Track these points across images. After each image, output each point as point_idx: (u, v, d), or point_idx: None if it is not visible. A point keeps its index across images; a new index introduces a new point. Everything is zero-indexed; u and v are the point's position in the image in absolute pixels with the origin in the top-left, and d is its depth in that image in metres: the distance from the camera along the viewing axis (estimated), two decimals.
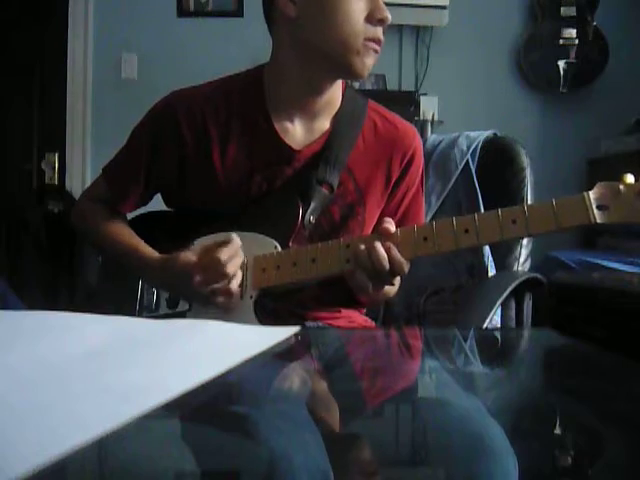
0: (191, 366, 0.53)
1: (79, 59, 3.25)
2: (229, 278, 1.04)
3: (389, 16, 1.08)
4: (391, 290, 1.20)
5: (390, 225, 1.03)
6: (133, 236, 1.21)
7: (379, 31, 1.10)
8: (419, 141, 1.25)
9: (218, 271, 1.03)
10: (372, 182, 1.20)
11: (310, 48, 1.11)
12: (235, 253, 1.05)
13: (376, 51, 1.11)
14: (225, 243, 1.05)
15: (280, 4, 1.10)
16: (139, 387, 0.45)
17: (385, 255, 1.00)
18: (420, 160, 1.24)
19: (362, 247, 1.01)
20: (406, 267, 1.02)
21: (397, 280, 1.14)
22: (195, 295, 1.08)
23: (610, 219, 0.95)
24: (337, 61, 1.11)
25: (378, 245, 1.00)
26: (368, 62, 1.11)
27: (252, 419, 0.48)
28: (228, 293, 1.05)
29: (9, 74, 3.30)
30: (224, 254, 1.04)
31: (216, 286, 1.04)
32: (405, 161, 1.21)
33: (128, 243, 1.19)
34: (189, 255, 1.06)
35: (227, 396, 0.52)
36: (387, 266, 1.00)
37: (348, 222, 1.19)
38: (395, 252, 1.01)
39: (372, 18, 1.08)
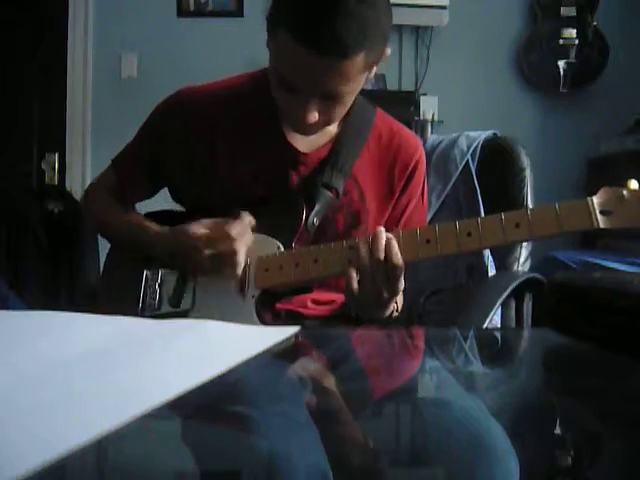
0: (191, 366, 0.53)
1: (79, 59, 3.25)
2: (237, 253, 1.06)
3: (306, 119, 1.04)
4: (388, 308, 1.17)
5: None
6: (139, 215, 1.25)
7: (299, 128, 1.10)
8: (422, 152, 1.25)
9: (227, 245, 1.06)
10: (376, 191, 1.20)
11: None
12: (244, 230, 1.08)
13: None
14: (235, 219, 1.08)
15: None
16: (139, 387, 0.45)
17: (383, 244, 1.00)
18: (422, 170, 1.24)
19: (363, 237, 1.03)
20: (399, 259, 1.00)
21: (400, 300, 1.15)
22: (199, 266, 1.10)
23: (613, 224, 0.95)
24: None
25: (382, 233, 1.01)
26: (302, 133, 1.13)
27: (252, 419, 0.48)
28: (233, 265, 1.07)
29: (9, 74, 3.30)
30: (234, 229, 1.06)
31: (222, 257, 1.07)
32: (408, 172, 1.21)
33: (135, 220, 1.22)
34: (198, 226, 1.09)
35: (227, 396, 0.52)
36: (382, 254, 0.99)
37: (352, 232, 1.19)
38: (394, 243, 1.01)
39: (290, 114, 1.08)
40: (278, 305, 1.16)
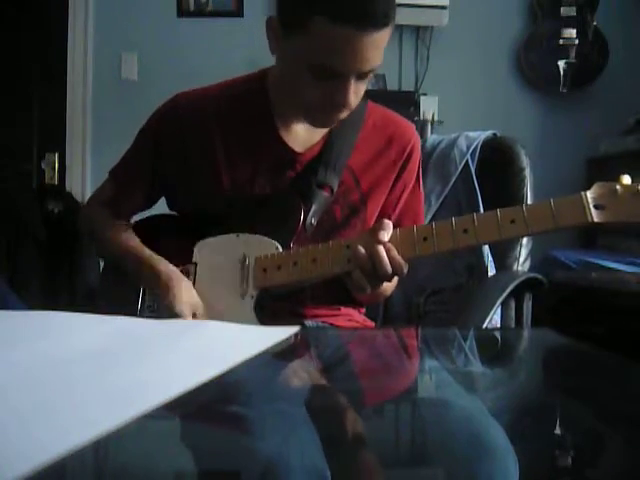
0: (191, 366, 0.53)
1: (79, 59, 3.25)
2: None
3: (349, 101, 1.03)
4: (388, 288, 1.20)
5: (385, 233, 1.02)
6: (135, 241, 1.21)
7: (338, 113, 1.06)
8: (417, 138, 1.25)
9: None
10: (374, 180, 1.20)
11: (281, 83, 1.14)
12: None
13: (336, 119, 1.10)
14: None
15: (268, 33, 1.07)
16: (139, 387, 0.45)
17: (386, 258, 1.00)
18: (417, 156, 1.24)
19: (363, 251, 1.01)
20: (405, 268, 1.02)
21: (395, 278, 1.14)
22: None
23: (607, 218, 0.96)
24: (297, 109, 1.13)
25: (380, 248, 1.00)
26: (326, 125, 1.13)
27: (252, 419, 0.48)
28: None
29: (9, 74, 3.30)
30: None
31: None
32: (404, 156, 1.22)
33: (129, 248, 1.20)
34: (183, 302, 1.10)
35: (227, 396, 0.52)
36: (389, 269, 1.00)
37: (350, 221, 1.19)
38: (395, 254, 1.01)
39: (329, 102, 1.04)
40: (277, 305, 1.16)
